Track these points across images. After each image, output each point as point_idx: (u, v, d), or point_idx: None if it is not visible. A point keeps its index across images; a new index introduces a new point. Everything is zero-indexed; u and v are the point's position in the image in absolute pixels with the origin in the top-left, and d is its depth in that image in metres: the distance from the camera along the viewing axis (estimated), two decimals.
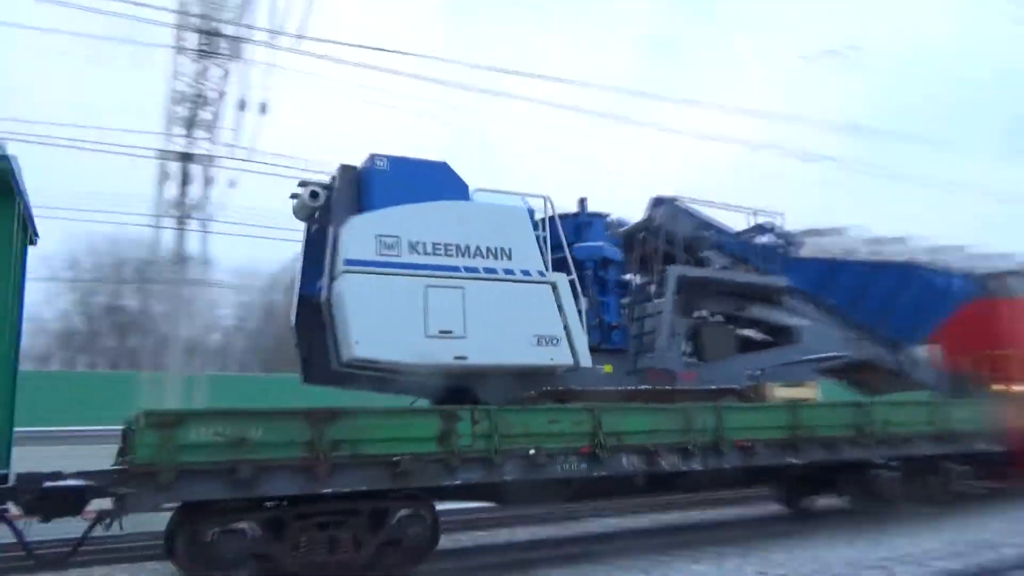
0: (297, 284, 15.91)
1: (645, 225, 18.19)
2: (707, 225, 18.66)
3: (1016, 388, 22.05)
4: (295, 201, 15.75)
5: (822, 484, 19.34)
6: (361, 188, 15.05)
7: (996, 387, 22.06)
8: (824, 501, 20.49)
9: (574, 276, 15.63)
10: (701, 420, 15.98)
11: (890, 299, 20.30)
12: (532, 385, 15.56)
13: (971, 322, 22.21)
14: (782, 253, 19.20)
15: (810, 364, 18.77)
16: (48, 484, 12.99)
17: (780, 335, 18.81)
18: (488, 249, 14.99)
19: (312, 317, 15.48)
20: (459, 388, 15.32)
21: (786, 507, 20.85)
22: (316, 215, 15.69)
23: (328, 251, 14.70)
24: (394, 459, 13.69)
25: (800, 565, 14.67)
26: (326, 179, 15.74)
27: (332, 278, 14.51)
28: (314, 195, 15.39)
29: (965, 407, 20.38)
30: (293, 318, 15.89)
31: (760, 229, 19.24)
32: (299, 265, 15.98)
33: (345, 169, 15.29)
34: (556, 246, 15.79)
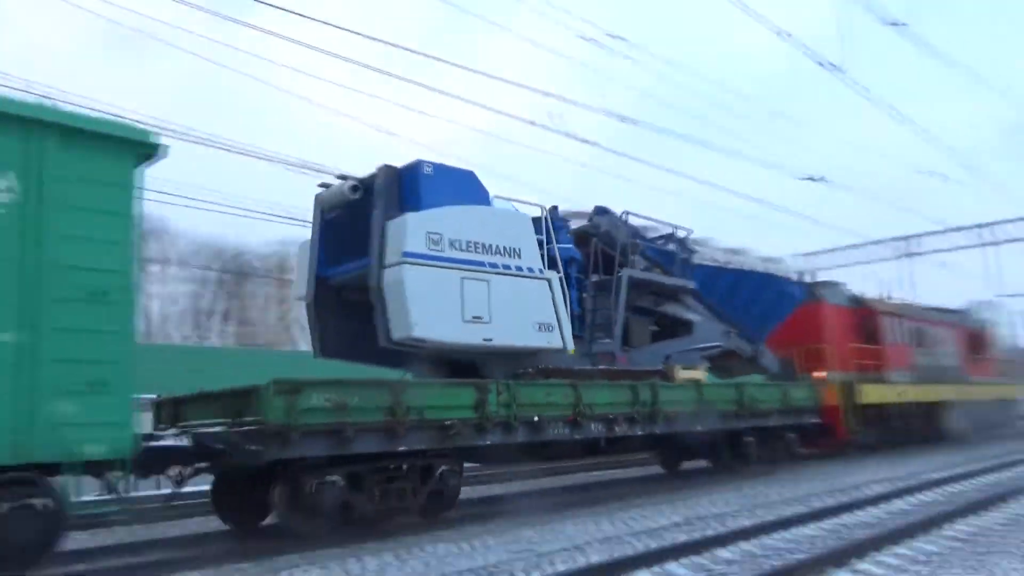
0: (313, 266, 18.03)
1: (594, 231, 21.45)
2: (636, 233, 22.15)
3: (819, 374, 28.43)
4: (325, 190, 17.89)
5: (689, 451, 23.43)
6: (407, 188, 17.39)
7: (812, 374, 28.33)
8: (690, 464, 24.60)
9: (562, 274, 18.70)
10: (643, 395, 19.54)
11: (751, 300, 24.94)
12: (523, 364, 18.51)
13: (799, 322, 28.15)
14: (684, 259, 22.89)
15: (699, 351, 22.74)
16: (167, 444, 14.74)
17: (680, 327, 22.58)
18: (505, 248, 17.77)
19: (328, 296, 17.78)
20: (467, 365, 18.08)
21: (663, 468, 24.90)
22: (341, 207, 17.91)
23: (376, 242, 16.95)
24: (447, 423, 16.36)
25: (676, 512, 18.06)
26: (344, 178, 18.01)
27: (384, 266, 16.81)
28: (355, 189, 17.63)
29: (799, 388, 25.63)
30: (309, 297, 18.04)
31: (670, 238, 22.93)
32: (314, 249, 18.10)
33: (388, 169, 17.57)
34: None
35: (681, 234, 23.44)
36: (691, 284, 23.23)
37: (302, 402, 14.78)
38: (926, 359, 35.36)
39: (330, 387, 15.13)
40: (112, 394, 13.00)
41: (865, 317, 32.78)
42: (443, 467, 16.70)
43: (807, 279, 30.34)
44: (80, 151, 13.26)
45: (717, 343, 23.76)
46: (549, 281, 18.33)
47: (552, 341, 18.06)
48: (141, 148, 13.79)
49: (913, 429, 33.48)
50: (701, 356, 23.14)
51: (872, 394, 30.54)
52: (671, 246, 23.15)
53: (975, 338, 40.65)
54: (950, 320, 39.14)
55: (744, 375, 25.77)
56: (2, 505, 12.36)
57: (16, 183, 12.79)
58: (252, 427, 14.53)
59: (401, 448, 15.87)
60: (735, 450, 23.54)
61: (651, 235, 23.03)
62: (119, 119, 14.60)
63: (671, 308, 22.66)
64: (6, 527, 12.33)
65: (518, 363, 18.46)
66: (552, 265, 18.65)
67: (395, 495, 16.16)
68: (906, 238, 52.64)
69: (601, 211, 22.19)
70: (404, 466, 16.29)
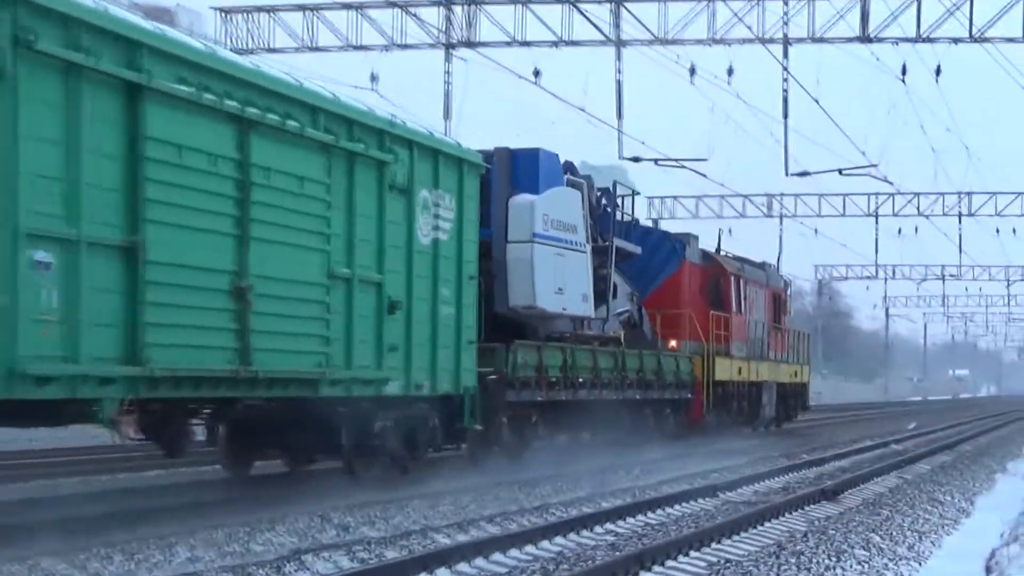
0: None
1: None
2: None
3: (672, 344, 29.29)
4: None
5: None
6: (523, 170, 22.22)
7: (669, 342, 29.25)
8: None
9: (588, 248, 23.99)
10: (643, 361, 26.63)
11: (648, 260, 27.82)
12: (557, 330, 24.05)
13: (670, 285, 29.70)
14: (618, 221, 26.07)
15: (618, 316, 26.53)
16: None
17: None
18: (568, 225, 23.20)
19: None
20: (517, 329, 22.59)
21: None
22: None
23: (498, 217, 21.69)
24: (579, 380, 23.63)
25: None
26: None
27: (509, 241, 21.86)
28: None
29: (683, 361, 28.70)
30: None
31: (607, 193, 25.77)
32: None
33: (502, 151, 22.43)
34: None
35: (622, 191, 26.63)
36: (637, 249, 27.10)
37: (520, 359, 21.74)
38: (753, 331, 34.31)
39: (533, 349, 22.24)
40: (472, 348, 19.65)
41: (714, 277, 32.16)
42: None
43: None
44: (471, 176, 19.86)
45: (627, 308, 27.03)
46: (588, 255, 23.91)
47: (589, 310, 24.66)
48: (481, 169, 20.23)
49: (740, 412, 33.23)
50: (619, 322, 26.45)
51: (722, 370, 30.86)
52: (604, 201, 25.96)
53: (777, 304, 37.93)
54: (760, 279, 36.61)
55: (633, 342, 27.16)
56: (435, 421, 18.99)
57: (454, 204, 19.27)
58: (494, 375, 20.94)
59: (561, 397, 22.82)
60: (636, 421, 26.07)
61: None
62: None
63: (605, 272, 25.95)
64: (437, 432, 18.97)
65: (555, 329, 23.88)
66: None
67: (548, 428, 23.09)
68: None
69: (570, 167, 24.37)
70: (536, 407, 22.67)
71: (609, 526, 13.64)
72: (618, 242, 26.32)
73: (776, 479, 21.16)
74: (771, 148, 40.89)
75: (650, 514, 15.03)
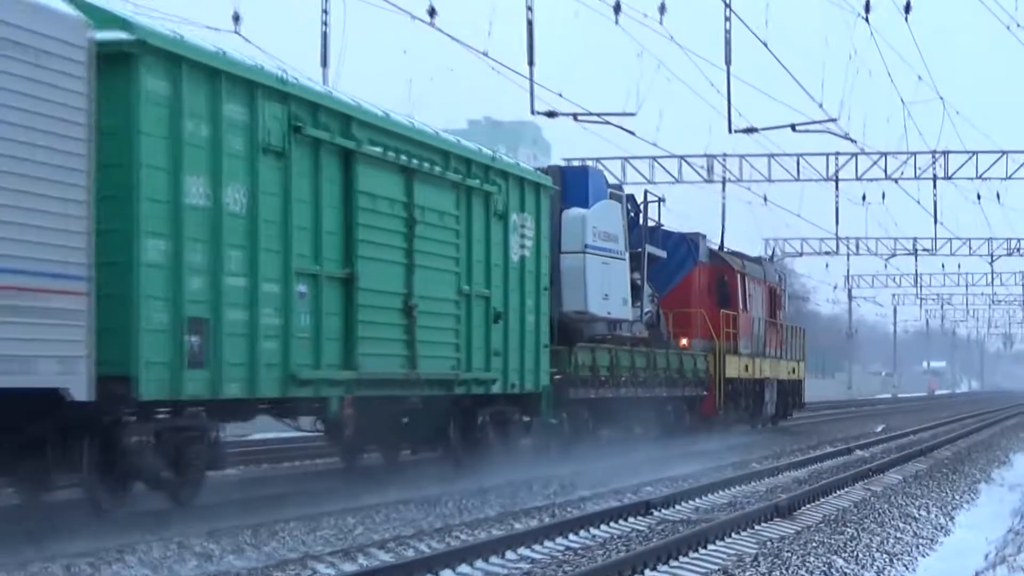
0: None
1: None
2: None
3: (683, 343, 31.42)
4: None
5: None
6: (574, 186, 25.60)
7: (680, 340, 31.39)
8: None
9: (627, 255, 27.74)
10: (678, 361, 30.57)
11: (664, 262, 30.22)
12: (598, 332, 27.37)
13: (683, 285, 31.96)
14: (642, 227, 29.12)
15: (645, 317, 29.19)
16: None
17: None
18: (611, 235, 26.49)
19: None
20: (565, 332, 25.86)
21: None
22: None
23: (552, 230, 24.44)
24: (621, 378, 27.23)
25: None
26: None
27: (563, 251, 25.10)
28: None
29: (699, 359, 31.17)
30: None
31: (631, 200, 28.94)
32: None
33: (553, 169, 26.29)
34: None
35: (651, 199, 30.16)
36: (662, 253, 30.22)
37: (579, 359, 25.34)
38: (756, 329, 35.86)
39: (590, 351, 25.84)
40: (547, 351, 23.10)
41: (721, 276, 33.84)
42: None
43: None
44: (544, 198, 23.29)
45: (649, 309, 29.59)
46: (625, 261, 27.26)
47: (628, 313, 28.26)
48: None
49: (747, 408, 35.10)
50: (643, 323, 29.00)
51: (732, 367, 32.74)
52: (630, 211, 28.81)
53: (773, 299, 39.02)
54: (759, 275, 37.83)
55: (653, 342, 29.57)
56: (518, 416, 22.50)
57: (533, 224, 22.70)
58: (559, 375, 24.44)
59: (610, 395, 26.44)
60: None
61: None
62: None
63: (637, 276, 28.18)
64: (521, 429, 22.56)
65: (595, 332, 27.09)
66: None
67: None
68: None
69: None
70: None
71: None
72: (649, 248, 29.76)
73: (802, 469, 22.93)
74: (712, 101, 35.15)
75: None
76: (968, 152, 51.77)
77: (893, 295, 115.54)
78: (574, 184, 26.19)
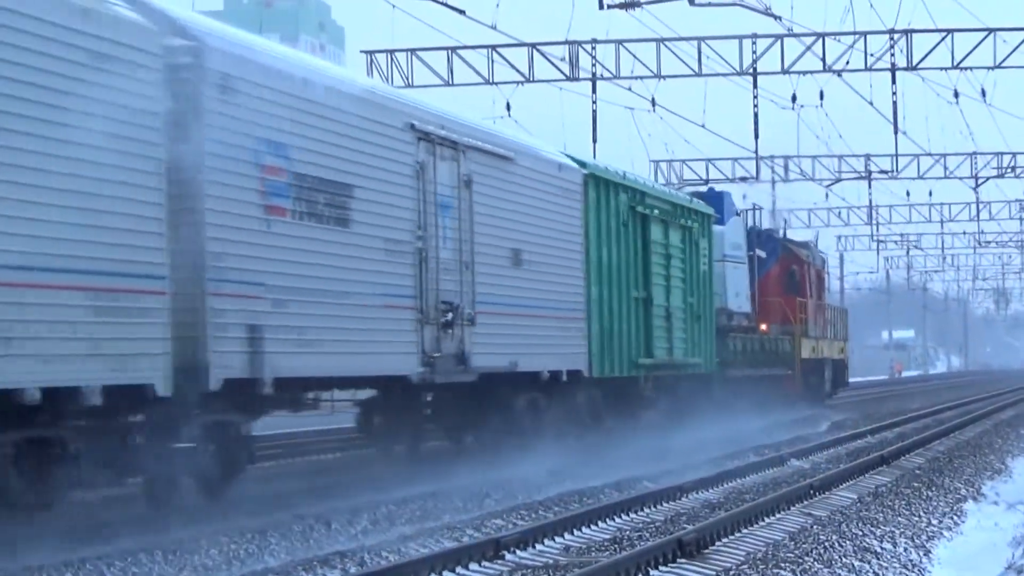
0: None
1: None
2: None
3: (763, 327, 38.86)
4: None
5: None
6: (716, 207, 34.71)
7: (760, 326, 39.14)
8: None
9: (747, 258, 39.09)
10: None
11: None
12: (726, 323, 38.60)
13: (767, 276, 39.77)
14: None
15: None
16: None
17: None
18: (739, 244, 36.78)
19: None
20: None
21: None
22: None
23: None
24: (750, 359, 37.45)
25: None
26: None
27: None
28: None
29: (786, 342, 39.74)
30: None
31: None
32: None
33: (698, 193, 36.81)
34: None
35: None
36: (763, 254, 41.81)
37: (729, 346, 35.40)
38: (815, 312, 42.56)
39: (737, 338, 35.79)
40: (715, 339, 33.09)
41: (790, 265, 40.45)
42: None
43: None
44: (709, 224, 33.13)
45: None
46: (746, 264, 38.46)
47: (747, 307, 38.57)
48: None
49: (815, 385, 42.13)
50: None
51: (806, 349, 39.73)
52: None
53: (820, 282, 44.68)
54: (810, 260, 42.94)
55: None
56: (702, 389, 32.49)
57: (707, 244, 32.54)
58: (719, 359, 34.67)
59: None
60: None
61: None
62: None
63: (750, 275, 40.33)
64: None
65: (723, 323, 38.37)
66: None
67: None
68: None
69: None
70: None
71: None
72: (758, 251, 40.05)
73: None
74: None
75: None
76: (940, 31, 37.55)
77: (838, 237, 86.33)
78: (716, 205, 35.93)
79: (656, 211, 25.96)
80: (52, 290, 10.79)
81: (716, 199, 36.51)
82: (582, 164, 22.75)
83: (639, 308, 24.60)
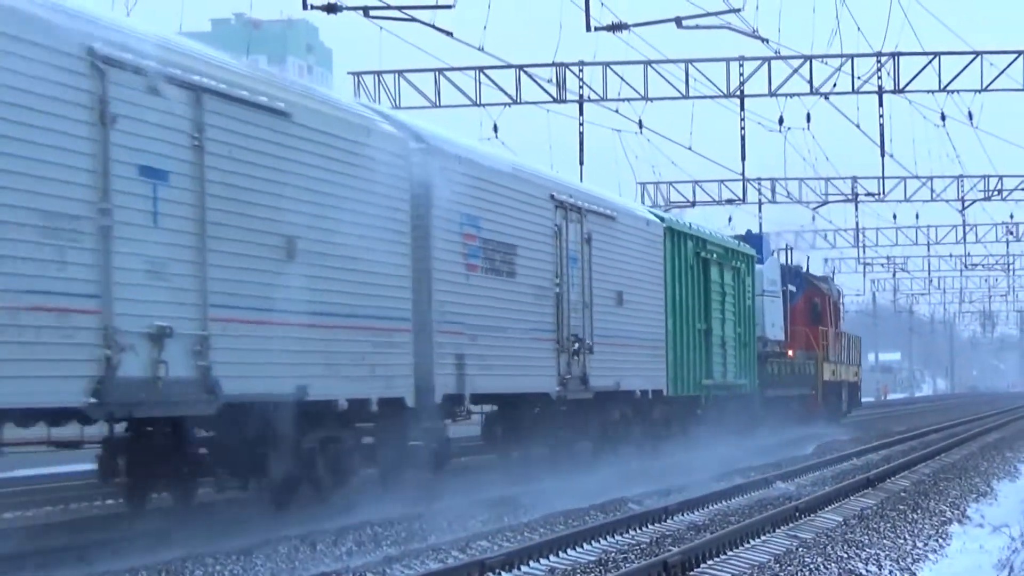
0: None
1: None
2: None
3: (790, 352, 44.39)
4: None
5: None
6: (756, 247, 40.70)
7: (787, 351, 44.47)
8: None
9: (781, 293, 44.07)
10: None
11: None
12: (762, 350, 43.47)
13: (796, 309, 45.65)
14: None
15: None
16: None
17: None
18: (775, 280, 42.21)
19: None
20: None
21: None
22: None
23: None
24: (782, 381, 42.20)
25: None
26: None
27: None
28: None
29: (808, 365, 47.57)
30: None
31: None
32: None
33: (745, 236, 41.80)
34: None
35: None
36: (794, 288, 47.19)
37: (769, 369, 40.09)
38: (833, 339, 48.91)
39: (772, 362, 40.51)
40: (756, 363, 37.92)
41: (813, 298, 46.70)
42: None
43: None
44: (750, 262, 37.87)
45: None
46: (780, 298, 43.45)
47: (781, 335, 43.40)
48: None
49: (834, 404, 48.91)
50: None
51: (827, 372, 46.38)
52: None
53: (836, 312, 51.41)
54: (828, 293, 49.99)
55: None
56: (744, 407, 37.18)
57: (750, 280, 37.24)
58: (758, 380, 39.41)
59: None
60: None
61: None
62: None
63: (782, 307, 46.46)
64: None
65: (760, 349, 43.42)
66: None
67: None
68: None
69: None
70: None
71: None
72: (789, 287, 44.85)
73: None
74: None
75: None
76: (927, 54, 38.18)
77: (825, 259, 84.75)
78: (756, 247, 40.70)
79: (714, 255, 30.57)
80: (351, 330, 15.33)
81: (756, 241, 41.30)
82: (661, 219, 27.61)
83: (701, 338, 29.20)
